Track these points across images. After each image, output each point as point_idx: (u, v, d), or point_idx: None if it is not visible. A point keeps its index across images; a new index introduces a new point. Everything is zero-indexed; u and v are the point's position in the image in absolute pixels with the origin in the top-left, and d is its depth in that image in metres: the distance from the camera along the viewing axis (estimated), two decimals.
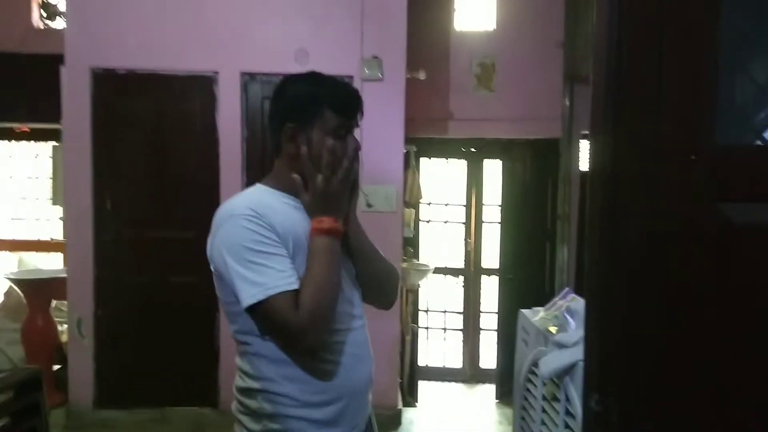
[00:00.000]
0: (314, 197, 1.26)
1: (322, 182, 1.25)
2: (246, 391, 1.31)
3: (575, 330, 1.83)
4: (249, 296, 1.19)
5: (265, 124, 3.66)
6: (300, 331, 1.19)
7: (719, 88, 0.89)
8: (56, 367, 4.02)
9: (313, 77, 1.34)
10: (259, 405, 1.29)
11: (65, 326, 3.93)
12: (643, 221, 0.90)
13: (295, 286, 1.20)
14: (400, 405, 3.89)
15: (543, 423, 1.93)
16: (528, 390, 2.08)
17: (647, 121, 0.91)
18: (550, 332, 1.92)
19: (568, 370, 1.71)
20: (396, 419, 3.78)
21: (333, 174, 1.25)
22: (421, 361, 4.80)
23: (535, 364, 1.95)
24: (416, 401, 4.32)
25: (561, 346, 1.79)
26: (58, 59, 3.59)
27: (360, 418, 1.38)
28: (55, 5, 4.75)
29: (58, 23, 4.66)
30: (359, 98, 1.34)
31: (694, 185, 0.87)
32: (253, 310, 1.21)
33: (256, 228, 1.22)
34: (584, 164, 4.24)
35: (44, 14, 4.76)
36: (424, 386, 4.56)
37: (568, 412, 1.75)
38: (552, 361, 1.76)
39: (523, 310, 2.26)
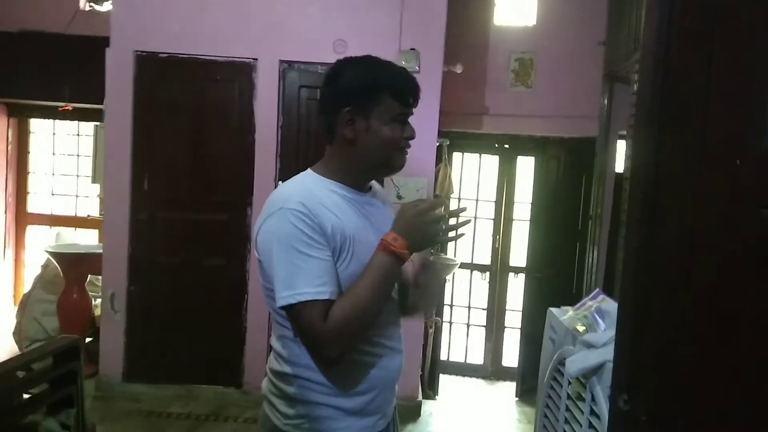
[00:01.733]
0: (406, 216, 1.24)
1: (425, 211, 1.23)
2: (281, 375, 1.32)
3: (605, 331, 1.82)
4: (281, 297, 1.20)
5: (301, 113, 3.71)
6: (322, 342, 1.19)
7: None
8: (88, 339, 4.15)
9: (372, 61, 1.32)
10: (295, 391, 1.29)
11: (98, 300, 4.05)
12: (683, 224, 0.90)
13: (326, 296, 1.19)
14: (420, 397, 3.92)
15: (567, 422, 1.93)
16: (552, 388, 2.08)
17: (693, 124, 0.90)
18: (579, 332, 1.91)
19: (596, 370, 1.70)
20: (416, 411, 3.81)
21: (436, 217, 1.24)
22: (443, 355, 4.81)
23: (562, 362, 1.95)
24: (436, 394, 4.34)
25: (589, 345, 1.78)
26: (103, 41, 3.68)
27: (388, 408, 1.40)
28: None
29: (105, 6, 4.76)
30: (418, 85, 1.32)
31: (738, 190, 0.86)
32: (284, 309, 1.22)
33: (303, 227, 1.20)
34: (620, 165, 4.17)
35: None
36: (444, 380, 4.58)
37: (593, 412, 1.74)
38: (580, 361, 1.75)
39: (552, 309, 2.25)
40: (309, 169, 1.36)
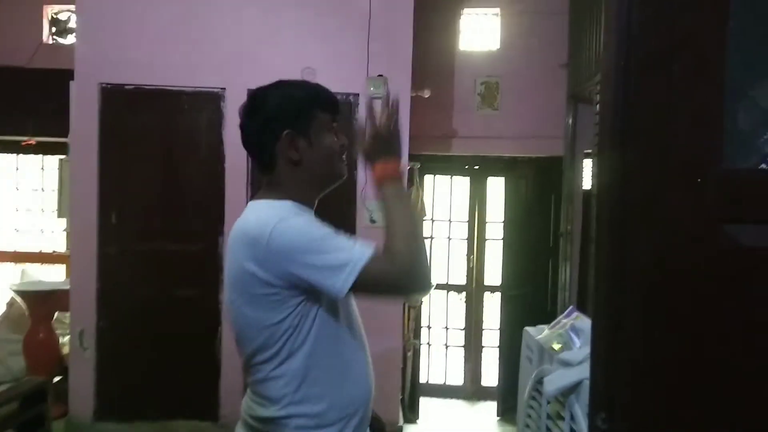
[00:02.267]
0: (378, 140, 1.28)
1: (385, 125, 1.28)
2: (271, 421, 1.27)
3: (580, 348, 1.84)
4: (339, 281, 1.17)
5: None
6: (407, 276, 1.19)
7: (725, 112, 0.91)
8: (57, 378, 4.01)
9: (289, 84, 1.36)
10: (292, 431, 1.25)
11: (67, 338, 3.93)
12: (651, 242, 0.92)
13: (371, 249, 1.19)
14: (401, 422, 3.88)
15: None
16: (532, 408, 2.08)
17: (655, 143, 0.93)
18: (555, 350, 1.93)
19: (574, 388, 1.71)
20: None
21: (389, 119, 1.28)
22: (423, 378, 4.78)
23: (540, 381, 1.96)
24: (417, 418, 4.30)
25: (566, 364, 1.79)
26: (67, 74, 3.64)
27: (366, 426, 1.39)
28: (66, 22, 4.81)
29: (68, 39, 4.71)
30: (331, 92, 1.37)
31: (701, 208, 0.89)
32: (354, 289, 1.18)
33: (304, 220, 1.24)
34: (587, 182, 4.26)
35: (54, 30, 4.82)
36: (425, 403, 4.54)
37: (572, 431, 1.75)
38: (557, 380, 1.76)
39: (528, 328, 2.26)
40: (259, 200, 1.33)
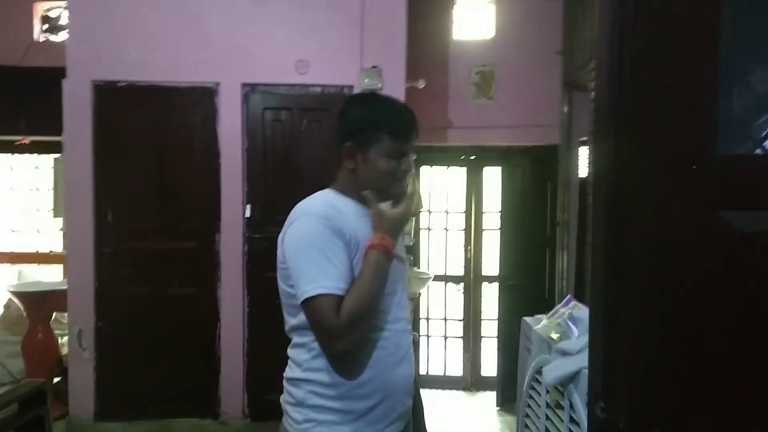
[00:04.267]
0: (385, 219, 1.40)
1: (397, 209, 1.40)
2: (294, 381, 1.42)
3: (578, 337, 1.84)
4: (304, 291, 1.32)
5: (266, 135, 3.70)
6: (336, 334, 1.31)
7: (719, 98, 0.90)
8: (56, 379, 4.01)
9: (373, 100, 1.49)
10: (303, 395, 1.39)
11: (65, 338, 3.92)
12: (647, 229, 0.91)
13: (341, 293, 1.32)
14: None
15: (547, 430, 1.93)
16: (531, 398, 2.09)
17: (650, 130, 0.92)
18: (553, 340, 1.93)
19: (572, 377, 1.71)
20: None
21: (402, 203, 1.41)
22: (422, 369, 4.80)
23: (539, 371, 1.96)
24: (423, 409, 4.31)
25: (564, 353, 1.79)
26: (59, 72, 3.61)
27: (395, 418, 1.43)
28: (57, 19, 4.77)
29: (60, 37, 4.68)
30: (415, 122, 1.45)
31: (697, 194, 0.88)
32: (305, 303, 1.33)
33: (324, 229, 1.34)
34: (583, 170, 4.26)
35: (46, 28, 4.78)
36: (424, 394, 4.55)
37: (572, 420, 1.75)
38: (556, 369, 1.76)
39: (526, 318, 2.26)
40: (327, 188, 1.49)
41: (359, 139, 1.41)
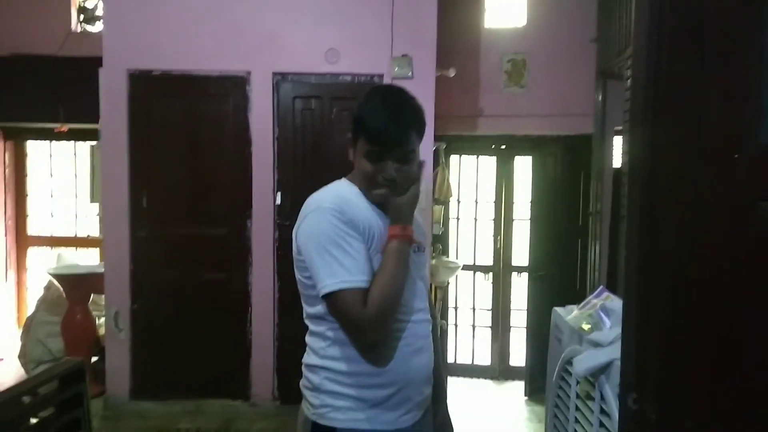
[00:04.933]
0: (397, 209, 1.39)
1: (400, 199, 1.39)
2: (310, 367, 1.44)
3: (611, 329, 1.82)
4: (324, 286, 1.32)
5: (296, 124, 3.73)
6: (366, 325, 1.32)
7: (762, 86, 0.87)
8: (94, 359, 4.14)
9: (374, 97, 1.43)
10: (320, 381, 1.40)
11: (102, 320, 4.04)
12: (683, 220, 0.90)
13: (366, 285, 1.32)
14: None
15: (577, 421, 1.92)
16: (561, 388, 2.07)
17: (688, 119, 0.90)
18: (584, 331, 1.91)
19: (604, 368, 1.70)
20: None
21: (405, 191, 1.39)
22: (450, 358, 4.80)
23: (569, 362, 1.95)
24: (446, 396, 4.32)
25: (596, 344, 1.78)
26: (96, 62, 3.69)
27: (413, 406, 1.43)
28: (93, 10, 4.87)
29: (96, 27, 4.77)
30: (396, 133, 1.37)
31: (736, 184, 0.86)
32: (327, 298, 1.33)
33: (338, 223, 1.34)
34: (617, 160, 4.18)
35: (82, 19, 4.89)
36: (452, 382, 4.57)
37: (603, 411, 1.74)
38: (587, 360, 1.75)
39: (557, 308, 2.24)
40: (343, 178, 1.50)
41: (351, 133, 1.43)
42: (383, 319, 1.33)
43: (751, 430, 0.89)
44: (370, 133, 1.37)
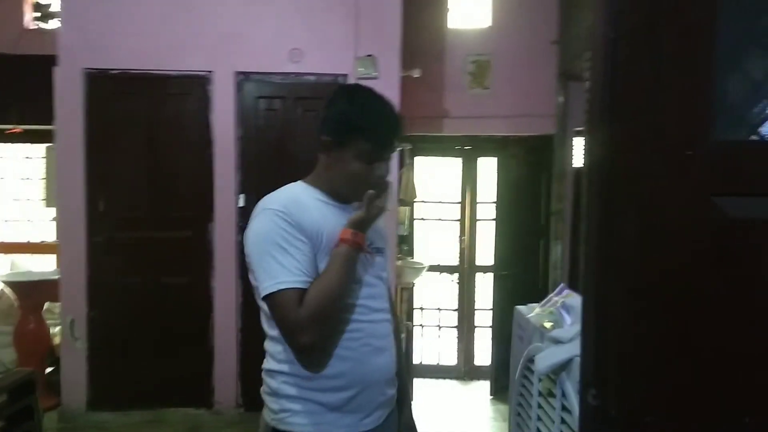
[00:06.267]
0: (357, 218, 1.36)
1: (365, 209, 1.35)
2: (268, 372, 1.42)
3: (571, 326, 1.84)
4: (264, 288, 1.30)
5: (259, 124, 3.67)
6: (296, 327, 1.28)
7: (715, 84, 0.89)
8: (49, 369, 3.99)
9: (359, 97, 1.41)
10: (278, 385, 1.38)
11: (58, 328, 3.90)
12: (640, 216, 0.91)
13: (302, 285, 1.29)
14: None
15: (539, 419, 1.94)
16: (524, 386, 2.09)
17: (644, 117, 0.91)
18: (546, 328, 1.93)
19: (565, 365, 1.72)
20: None
21: (372, 201, 1.35)
22: (416, 359, 4.81)
23: (531, 360, 1.96)
24: (411, 398, 4.32)
25: (557, 341, 1.79)
26: (50, 60, 3.57)
27: (374, 408, 1.41)
28: (48, 6, 4.71)
29: (51, 24, 4.61)
30: (398, 129, 1.40)
31: (691, 180, 0.87)
32: (266, 300, 1.31)
33: (283, 224, 1.32)
34: (578, 160, 4.25)
35: (37, 15, 4.72)
36: (418, 383, 4.57)
37: (564, 408, 1.76)
38: (548, 357, 1.76)
39: (519, 307, 2.26)
40: (301, 180, 1.46)
41: (336, 135, 1.37)
42: (317, 322, 1.28)
43: (711, 424, 0.91)
44: (376, 134, 1.35)
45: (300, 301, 1.27)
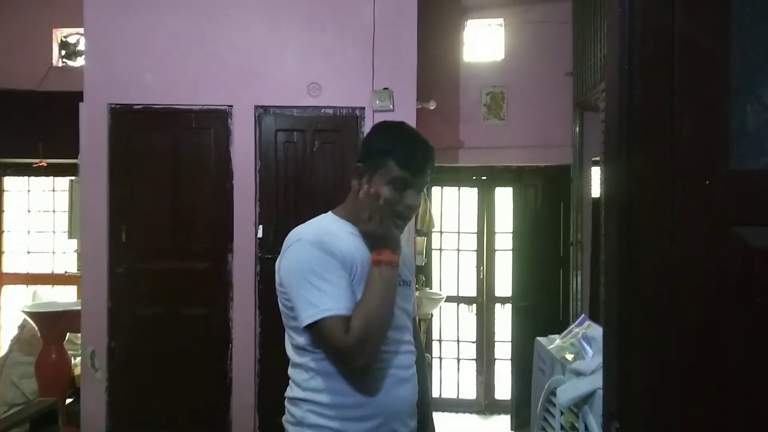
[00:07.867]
0: (370, 234, 1.40)
1: (374, 224, 1.38)
2: (293, 400, 1.42)
3: (593, 357, 1.81)
4: (307, 316, 1.32)
5: (278, 157, 3.73)
6: (348, 352, 1.31)
7: (731, 113, 0.89)
8: (69, 400, 4.01)
9: (394, 129, 1.48)
10: (302, 414, 1.39)
11: (78, 359, 3.93)
12: (660, 247, 0.90)
13: (348, 312, 1.31)
14: None
15: None
16: (545, 420, 2.05)
17: (660, 147, 0.92)
18: (567, 360, 1.90)
19: (587, 398, 1.68)
20: None
21: (383, 218, 1.38)
22: (435, 392, 4.74)
23: (553, 392, 1.93)
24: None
25: (579, 374, 1.76)
26: (75, 96, 3.68)
27: None
28: (75, 45, 4.88)
29: (78, 62, 4.78)
30: (428, 157, 1.44)
31: (710, 210, 0.87)
32: (310, 328, 1.33)
33: (319, 253, 1.35)
34: (596, 190, 4.24)
35: (64, 54, 4.90)
36: (437, 418, 4.49)
37: None
38: (570, 390, 1.73)
39: (539, 338, 2.23)
40: (330, 211, 1.50)
41: (369, 162, 1.42)
42: (368, 344, 1.31)
43: None
44: (406, 158, 1.39)
45: (345, 327, 1.29)
